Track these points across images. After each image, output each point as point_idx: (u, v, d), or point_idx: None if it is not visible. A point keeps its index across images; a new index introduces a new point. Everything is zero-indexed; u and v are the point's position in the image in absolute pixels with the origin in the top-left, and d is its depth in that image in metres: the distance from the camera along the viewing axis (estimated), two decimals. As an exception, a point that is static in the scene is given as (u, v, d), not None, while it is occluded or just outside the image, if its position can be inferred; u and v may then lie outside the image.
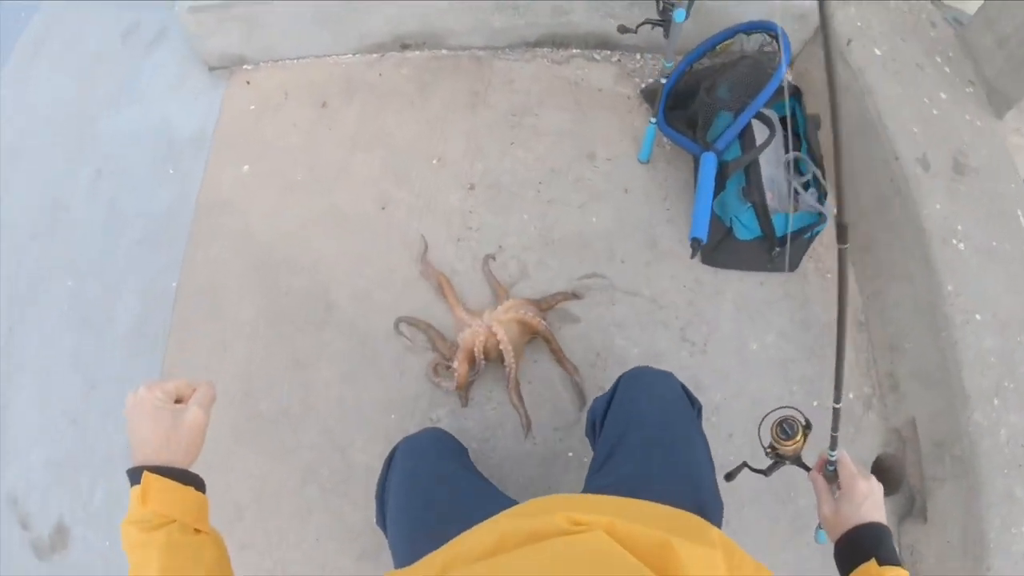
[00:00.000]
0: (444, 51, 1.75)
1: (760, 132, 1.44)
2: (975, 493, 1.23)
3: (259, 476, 1.35)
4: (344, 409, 1.37)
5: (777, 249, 1.38)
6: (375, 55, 1.75)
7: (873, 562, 0.66)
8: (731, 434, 1.37)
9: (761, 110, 1.41)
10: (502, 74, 1.70)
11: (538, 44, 1.76)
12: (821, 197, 1.41)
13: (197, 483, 0.64)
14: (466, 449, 1.09)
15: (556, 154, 1.60)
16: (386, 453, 1.32)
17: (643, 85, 1.73)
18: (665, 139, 1.63)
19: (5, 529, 1.39)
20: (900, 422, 1.48)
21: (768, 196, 1.45)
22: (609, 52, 1.75)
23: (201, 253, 1.52)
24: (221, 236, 1.53)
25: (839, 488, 0.79)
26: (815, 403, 1.47)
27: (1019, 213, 1.52)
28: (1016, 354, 1.32)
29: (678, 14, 1.33)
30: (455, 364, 1.31)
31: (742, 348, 1.47)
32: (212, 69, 1.74)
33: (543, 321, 1.35)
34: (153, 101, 1.74)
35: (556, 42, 1.75)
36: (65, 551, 1.38)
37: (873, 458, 1.45)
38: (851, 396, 1.50)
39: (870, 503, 0.75)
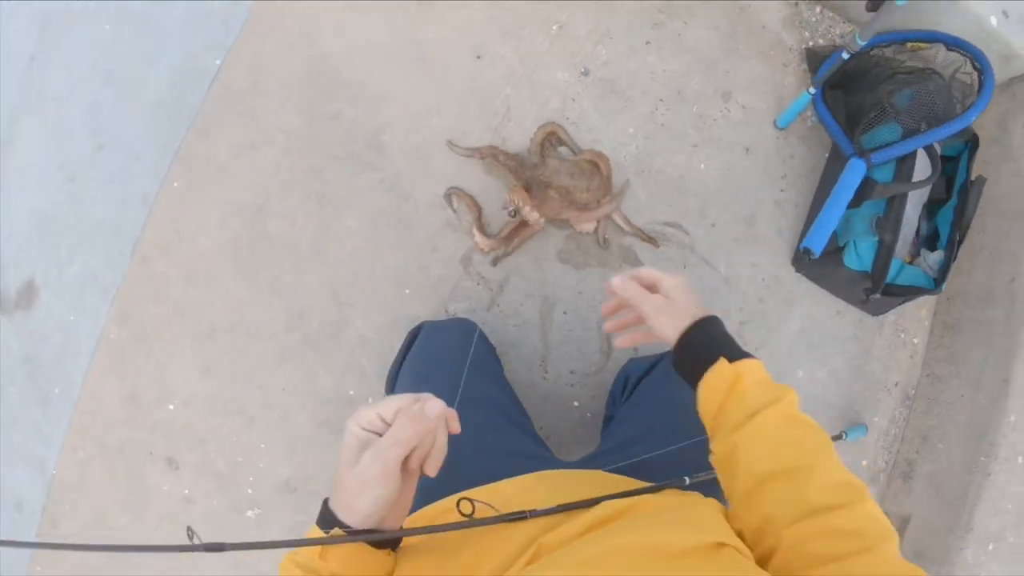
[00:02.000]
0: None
1: (922, 167, 1.19)
2: None
3: (243, 302, 1.19)
4: (356, 265, 1.20)
5: (876, 295, 1.17)
6: None
7: (722, 360, 0.56)
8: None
9: (933, 143, 1.16)
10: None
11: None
12: (944, 266, 1.19)
13: (393, 544, 0.50)
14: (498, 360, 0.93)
15: (690, 77, 1.33)
16: (386, 327, 1.18)
17: (811, 43, 1.44)
18: (810, 114, 1.37)
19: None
20: (895, 511, 1.38)
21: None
22: None
23: (255, 39, 1.27)
24: (282, 27, 1.28)
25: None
26: None
27: None
28: None
29: None
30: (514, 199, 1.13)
31: (789, 372, 1.31)
32: None
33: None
34: None
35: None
36: (28, 311, 1.25)
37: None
38: (864, 464, 1.37)
39: (695, 296, 0.64)
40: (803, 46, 1.43)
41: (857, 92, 1.32)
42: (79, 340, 1.23)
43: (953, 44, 1.28)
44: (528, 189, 1.14)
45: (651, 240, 1.24)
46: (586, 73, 1.30)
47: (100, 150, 1.29)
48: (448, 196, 1.20)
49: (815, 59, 1.43)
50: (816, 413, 1.30)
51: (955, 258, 1.18)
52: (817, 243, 1.10)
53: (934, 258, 1.20)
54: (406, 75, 1.27)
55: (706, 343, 0.60)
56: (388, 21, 1.29)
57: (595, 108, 1.28)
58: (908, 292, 1.17)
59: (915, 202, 1.23)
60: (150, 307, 1.21)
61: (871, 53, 1.38)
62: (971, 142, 1.25)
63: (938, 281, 1.17)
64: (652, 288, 0.65)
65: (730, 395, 0.55)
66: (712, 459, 0.57)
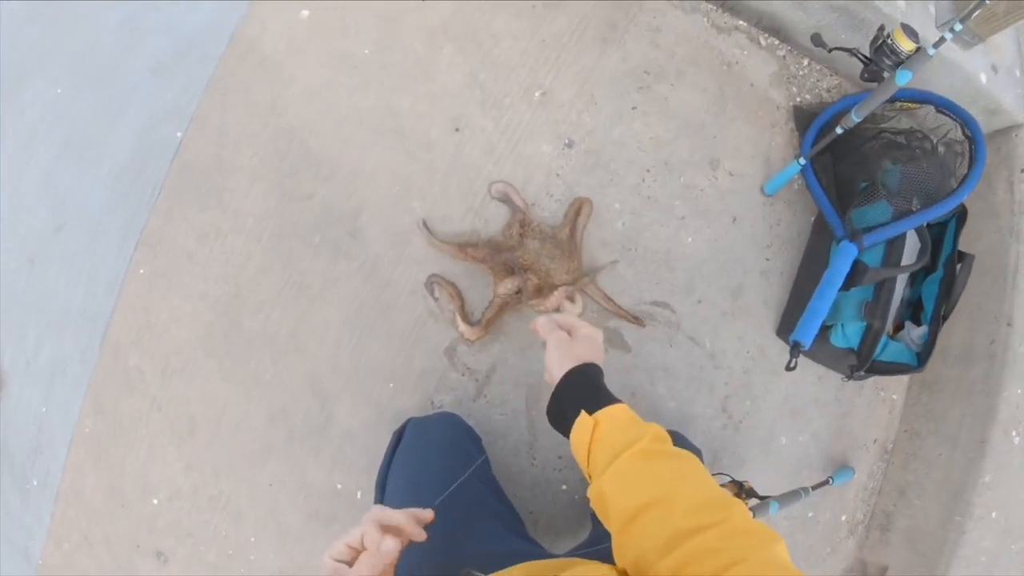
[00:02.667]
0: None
1: (911, 246, 1.18)
2: None
3: (222, 399, 1.15)
4: (339, 359, 1.17)
5: (860, 373, 1.19)
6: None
7: (583, 414, 0.62)
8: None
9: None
10: (652, 14, 1.33)
11: (705, -8, 1.38)
12: (927, 342, 1.20)
13: None
14: (485, 454, 0.93)
15: (677, 144, 1.30)
16: (372, 421, 1.17)
17: (799, 99, 1.40)
18: (797, 177, 1.35)
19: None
20: (873, 560, 1.44)
21: None
22: (778, 42, 1.40)
23: (219, 111, 1.19)
24: (249, 98, 1.20)
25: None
26: (810, 514, 1.38)
27: None
28: (1001, 560, 1.30)
29: (902, 75, 0.99)
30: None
31: (771, 440, 1.33)
32: None
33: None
34: None
35: (729, 4, 1.37)
36: None
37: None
38: (844, 518, 1.42)
39: (596, 349, 0.71)
40: (790, 103, 1.39)
41: (845, 157, 1.30)
42: (54, 432, 1.19)
43: (943, 107, 1.25)
44: (509, 272, 1.12)
45: (636, 320, 1.23)
46: (570, 145, 1.25)
47: (60, 230, 1.22)
48: (429, 285, 1.17)
49: (803, 117, 1.40)
50: (794, 476, 1.34)
51: (938, 334, 1.20)
52: (807, 335, 1.10)
53: (918, 333, 1.21)
54: (381, 150, 1.20)
55: (576, 393, 0.65)
56: (361, 88, 1.21)
57: (580, 183, 1.24)
58: (892, 369, 1.19)
59: (902, 277, 1.23)
60: (125, 400, 1.17)
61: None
62: (959, 212, 1.26)
63: (922, 358, 1.19)
64: (569, 332, 0.72)
65: (593, 443, 0.60)
66: (590, 504, 0.60)
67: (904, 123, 1.36)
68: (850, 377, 1.23)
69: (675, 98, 1.31)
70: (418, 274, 1.18)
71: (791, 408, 1.34)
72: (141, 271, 1.17)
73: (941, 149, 1.27)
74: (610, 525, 0.56)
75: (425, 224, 1.17)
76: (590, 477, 0.61)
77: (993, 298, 1.25)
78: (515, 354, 1.19)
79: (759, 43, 1.39)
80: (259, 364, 1.16)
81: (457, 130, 1.22)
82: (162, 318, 1.16)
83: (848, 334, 1.17)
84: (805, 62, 1.41)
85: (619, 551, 0.55)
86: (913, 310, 1.27)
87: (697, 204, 1.29)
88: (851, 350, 1.20)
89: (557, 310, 1.14)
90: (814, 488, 1.21)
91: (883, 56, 0.99)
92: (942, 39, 0.92)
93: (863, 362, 1.17)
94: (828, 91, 1.44)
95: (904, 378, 1.42)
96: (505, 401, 1.19)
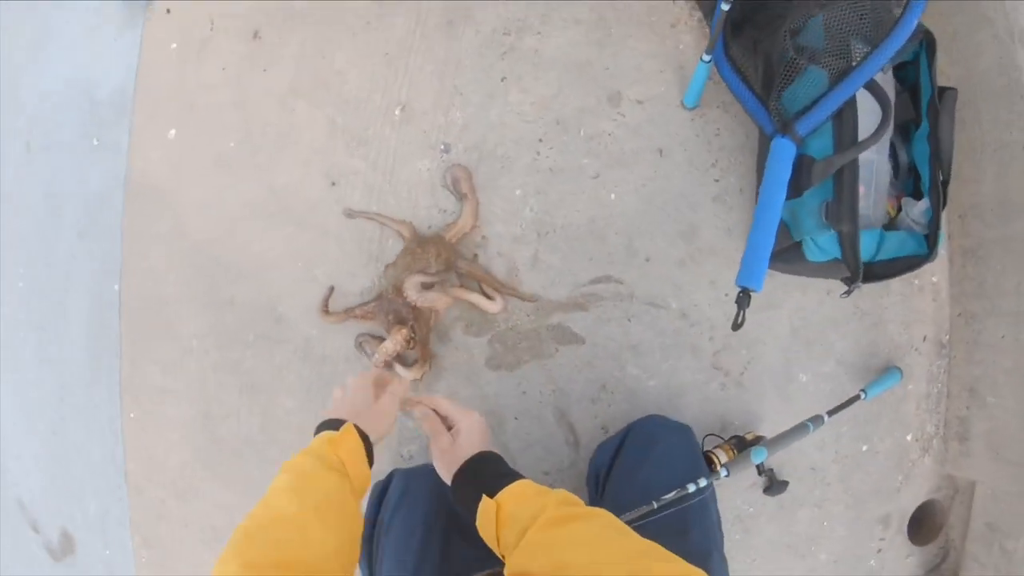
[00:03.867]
0: (412, -68, 1.22)
1: (868, 113, 0.90)
2: None
3: (228, 507, 1.24)
4: (306, 439, 1.18)
5: (859, 285, 0.93)
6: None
7: (484, 498, 0.62)
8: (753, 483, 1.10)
9: (875, 76, 0.87)
10: (490, -34, 1.17)
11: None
12: (932, 218, 0.92)
13: (370, 459, 0.71)
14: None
15: (565, 96, 1.13)
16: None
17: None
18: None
19: (20, 530, 1.42)
20: (960, 476, 1.21)
21: (860, 191, 0.96)
22: None
23: (138, 254, 1.27)
24: (157, 231, 1.25)
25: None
26: (864, 448, 1.15)
27: None
28: None
29: None
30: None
31: (789, 381, 1.14)
32: (125, -5, 1.32)
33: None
34: (71, 49, 1.37)
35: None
36: (74, 556, 1.40)
37: (918, 504, 1.22)
38: (909, 438, 1.18)
39: (479, 438, 0.73)
40: (691, -11, 1.15)
41: (767, 26, 1.04)
42: (121, 570, 1.36)
43: None
44: (400, 320, 1.05)
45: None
46: (447, 149, 1.14)
47: (63, 400, 1.38)
48: (359, 346, 1.15)
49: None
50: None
51: (944, 204, 0.92)
52: (754, 277, 0.89)
53: (919, 210, 0.94)
54: (275, 233, 1.20)
55: (471, 485, 0.66)
56: (241, 182, 1.22)
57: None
58: (897, 268, 0.94)
59: (879, 148, 0.96)
60: (162, 527, 1.30)
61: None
62: (926, 41, 0.94)
63: (931, 241, 0.92)
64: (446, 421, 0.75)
65: (499, 525, 0.61)
66: None
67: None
68: (848, 292, 0.98)
69: (547, 46, 1.14)
70: (347, 340, 1.16)
71: (804, 340, 1.12)
72: (132, 415, 1.29)
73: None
74: None
75: (327, 299, 1.14)
76: (504, 557, 0.60)
77: (1015, 126, 0.92)
78: (462, 383, 1.13)
79: (630, -64, 1.16)
80: (246, 464, 1.23)
81: (334, 184, 1.18)
82: (160, 450, 1.27)
83: (823, 245, 0.94)
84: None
85: None
86: (914, 179, 0.98)
87: (608, 154, 1.12)
88: (837, 260, 0.96)
89: (397, 356, 1.07)
90: (832, 413, 1.00)
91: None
92: None
93: (855, 273, 0.92)
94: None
95: (942, 254, 1.11)
96: (470, 435, 1.13)
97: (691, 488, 0.79)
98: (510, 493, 0.62)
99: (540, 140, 1.13)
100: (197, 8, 1.26)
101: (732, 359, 1.11)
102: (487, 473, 0.68)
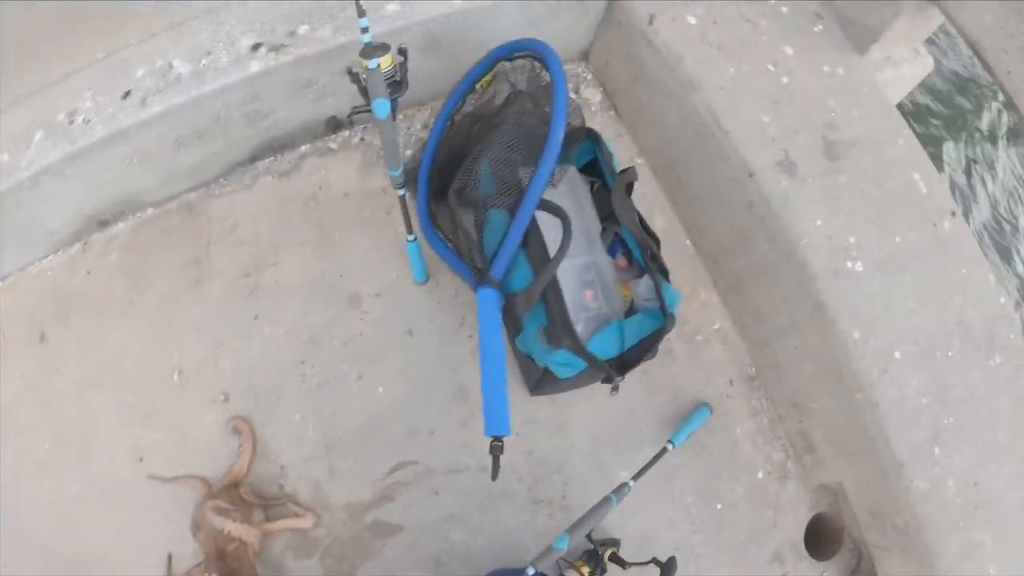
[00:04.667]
0: (150, 210, 1.34)
1: (551, 229, 0.98)
2: (929, 564, 1.05)
3: None
4: None
5: (618, 379, 1.00)
6: (77, 246, 1.37)
7: None
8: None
9: (541, 196, 0.95)
10: (221, 219, 1.29)
11: (256, 157, 1.31)
12: (654, 289, 1.00)
13: None
14: None
15: (312, 314, 1.22)
16: None
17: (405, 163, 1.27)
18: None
19: None
20: (825, 482, 1.24)
21: (587, 296, 1.05)
22: (348, 133, 1.29)
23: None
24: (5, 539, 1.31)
25: None
26: (718, 506, 1.18)
27: (916, 176, 1.07)
28: (946, 377, 1.07)
29: (379, 106, 0.89)
30: None
31: (612, 483, 1.16)
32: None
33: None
34: None
35: (277, 146, 1.30)
36: None
37: (805, 526, 1.24)
38: (760, 475, 1.21)
39: None
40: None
41: (463, 190, 1.14)
42: None
43: (508, 53, 1.09)
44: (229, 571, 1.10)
45: (309, 511, 1.14)
46: (227, 398, 1.22)
47: None
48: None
49: (413, 175, 1.26)
50: (667, 490, 1.17)
51: (664, 273, 1.00)
52: (500, 425, 0.93)
53: (644, 287, 1.03)
54: (106, 519, 1.25)
55: None
56: (66, 483, 1.27)
57: (256, 425, 1.20)
58: (645, 348, 0.99)
59: (583, 245, 1.05)
60: None
61: (455, 124, 1.20)
62: (591, 138, 1.05)
63: (664, 310, 0.98)
64: None
65: None
66: None
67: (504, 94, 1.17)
68: (615, 389, 1.04)
69: (285, 274, 1.24)
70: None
71: (609, 441, 1.18)
72: None
73: (526, 95, 1.09)
74: None
75: (168, 569, 1.19)
76: None
77: (717, 165, 1.05)
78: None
79: (330, 149, 1.30)
80: None
81: (141, 459, 1.24)
82: None
83: (565, 362, 0.99)
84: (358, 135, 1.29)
85: None
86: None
87: (364, 353, 1.20)
88: (585, 371, 1.03)
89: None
90: (638, 476, 1.04)
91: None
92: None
93: (607, 372, 0.99)
94: (425, 127, 1.30)
95: (713, 299, 1.21)
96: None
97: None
98: None
99: (302, 363, 1.21)
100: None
101: (548, 488, 1.16)
102: None
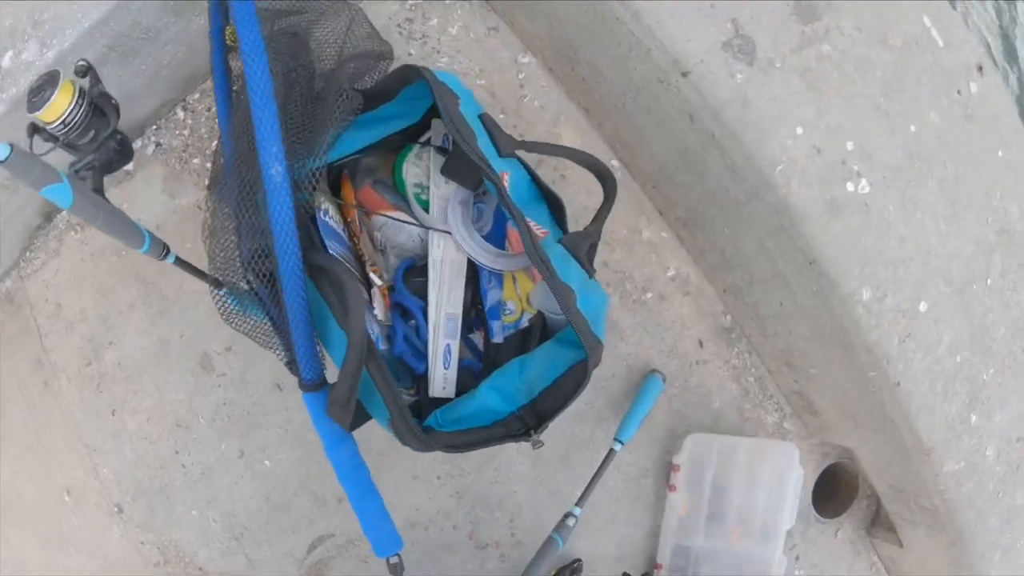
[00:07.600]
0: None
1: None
2: (962, 545, 0.84)
3: None
4: None
5: (535, 435, 0.68)
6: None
7: None
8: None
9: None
10: (42, 303, 1.05)
11: (50, 214, 1.04)
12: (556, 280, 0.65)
13: None
14: None
15: (168, 392, 0.99)
16: None
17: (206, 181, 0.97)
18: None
19: None
20: (832, 440, 0.97)
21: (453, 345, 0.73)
22: (138, 143, 0.99)
23: None
24: None
25: None
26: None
27: (926, 21, 0.67)
28: (988, 315, 0.75)
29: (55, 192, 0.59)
30: None
31: (568, 500, 0.89)
32: None
33: None
34: None
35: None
36: None
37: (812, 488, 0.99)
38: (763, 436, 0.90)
39: None
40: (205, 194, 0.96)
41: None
42: None
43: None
44: None
45: None
46: (120, 510, 1.03)
47: None
48: None
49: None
50: (637, 484, 0.89)
51: (574, 250, 0.66)
52: (390, 544, 0.67)
53: (541, 295, 0.70)
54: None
55: None
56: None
57: (160, 530, 1.01)
58: (567, 391, 0.67)
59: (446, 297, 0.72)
60: None
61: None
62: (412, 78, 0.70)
63: (582, 333, 0.64)
64: None
65: None
66: None
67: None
68: (538, 443, 0.73)
69: (124, 353, 1.00)
70: None
71: (552, 458, 0.91)
72: None
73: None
74: None
75: None
76: None
77: (635, 55, 0.72)
78: None
79: (127, 174, 1.00)
80: None
81: (72, 587, 1.11)
82: None
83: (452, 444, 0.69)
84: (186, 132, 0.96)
85: None
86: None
87: (237, 424, 0.96)
88: (486, 426, 0.72)
89: None
90: (581, 501, 0.79)
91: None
92: None
93: (512, 433, 0.68)
94: (211, 112, 0.96)
95: (661, 235, 0.87)
96: None
97: None
98: None
99: (176, 452, 0.99)
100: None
101: (492, 529, 0.91)
102: None
